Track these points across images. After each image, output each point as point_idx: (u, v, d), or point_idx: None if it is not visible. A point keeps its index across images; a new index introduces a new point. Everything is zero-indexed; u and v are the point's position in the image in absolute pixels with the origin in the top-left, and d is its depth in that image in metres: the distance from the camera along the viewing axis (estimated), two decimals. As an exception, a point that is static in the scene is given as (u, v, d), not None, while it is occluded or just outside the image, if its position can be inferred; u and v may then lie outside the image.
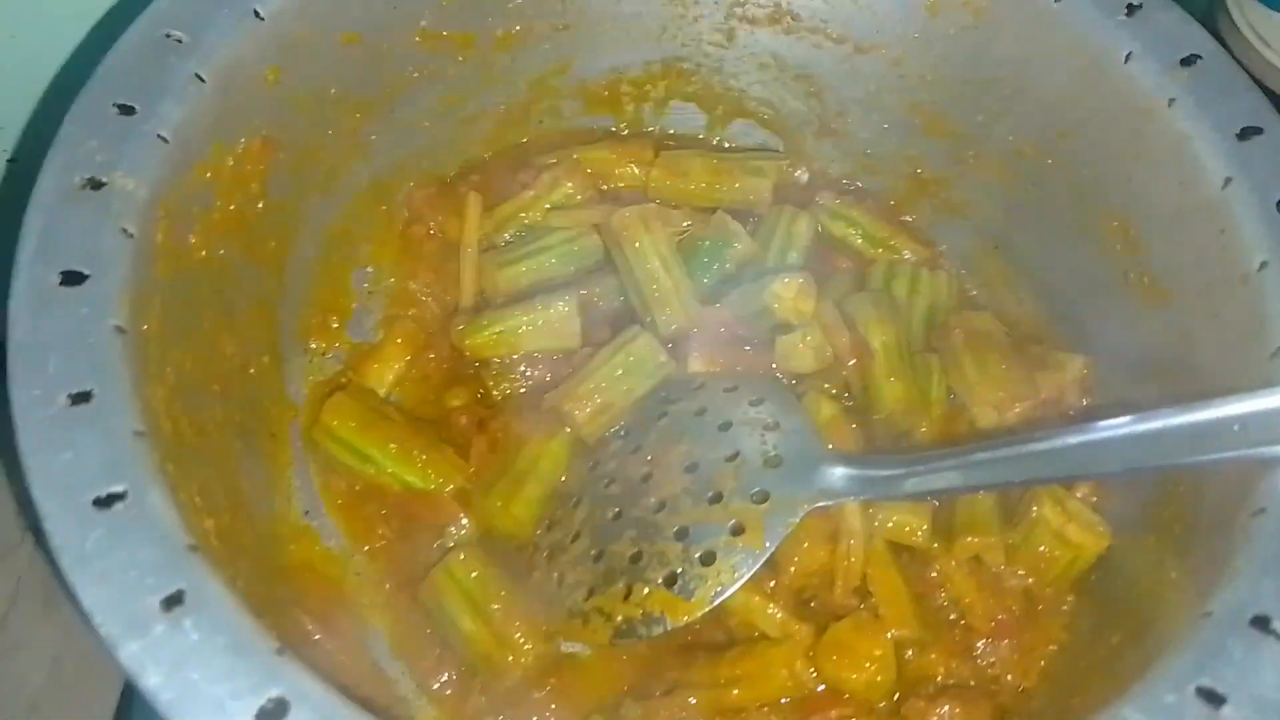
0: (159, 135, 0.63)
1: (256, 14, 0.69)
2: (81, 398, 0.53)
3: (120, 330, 0.57)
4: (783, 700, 0.71)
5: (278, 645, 0.49)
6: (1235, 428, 0.56)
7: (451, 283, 0.88)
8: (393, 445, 0.77)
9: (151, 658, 0.47)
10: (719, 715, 0.71)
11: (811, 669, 0.71)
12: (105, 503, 0.51)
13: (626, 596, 0.71)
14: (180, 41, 0.66)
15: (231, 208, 0.72)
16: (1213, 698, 0.50)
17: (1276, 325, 0.63)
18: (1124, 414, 0.60)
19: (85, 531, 0.50)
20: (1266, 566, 0.54)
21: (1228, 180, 0.68)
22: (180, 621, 0.48)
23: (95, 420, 0.53)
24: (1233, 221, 0.67)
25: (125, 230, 0.59)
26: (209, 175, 0.68)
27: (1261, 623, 0.52)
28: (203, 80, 0.66)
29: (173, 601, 0.49)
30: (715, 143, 0.98)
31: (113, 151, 0.61)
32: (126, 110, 0.63)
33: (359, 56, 0.79)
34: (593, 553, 0.73)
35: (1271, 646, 0.51)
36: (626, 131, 0.97)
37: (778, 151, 0.96)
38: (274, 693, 0.47)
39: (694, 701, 0.71)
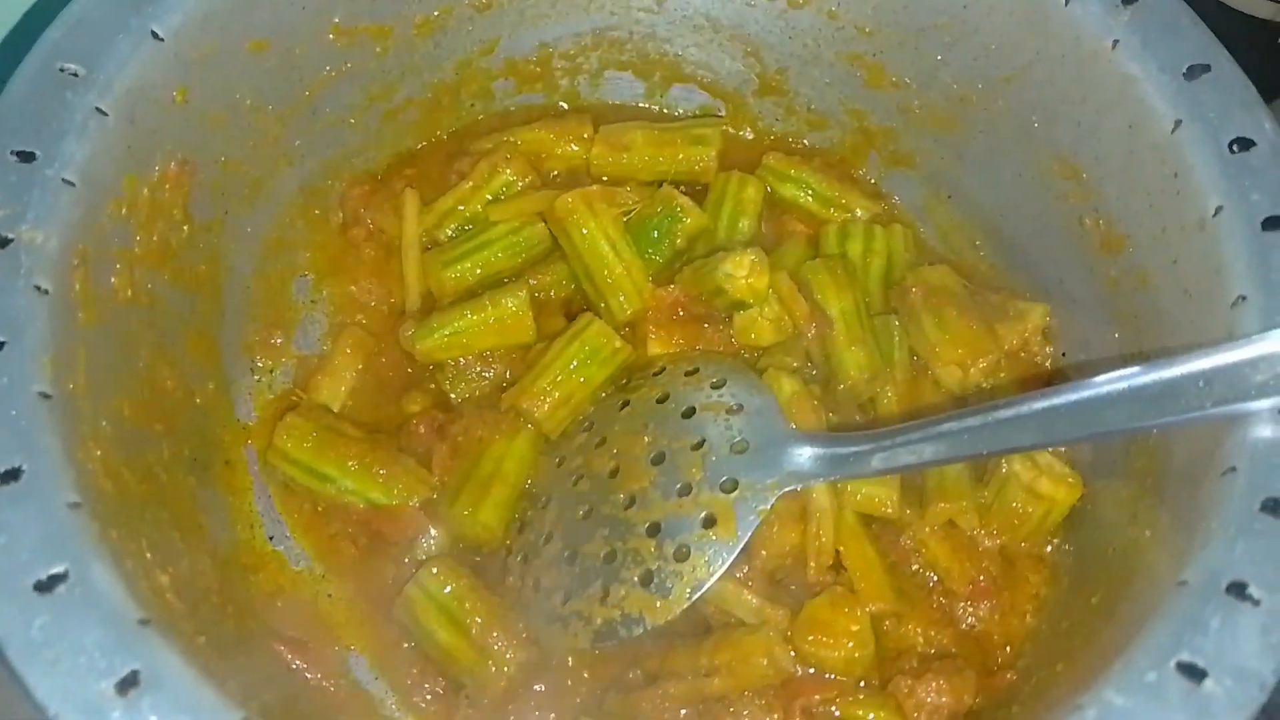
0: (63, 179, 0.60)
1: (155, 35, 0.66)
2: (10, 475, 0.51)
3: (45, 396, 0.54)
4: (764, 685, 0.70)
5: (241, 716, 0.48)
6: (1200, 384, 0.56)
7: (396, 284, 0.86)
8: (351, 463, 0.76)
9: (112, 746, 0.46)
10: (701, 704, 0.71)
11: (791, 650, 0.71)
12: (47, 586, 0.49)
13: (604, 599, 0.70)
14: (76, 75, 0.62)
15: (154, 239, 0.69)
16: (1193, 672, 0.50)
17: (1234, 273, 0.62)
18: (1092, 366, 0.59)
19: (29, 618, 0.48)
20: (1240, 528, 0.53)
21: (1178, 123, 0.66)
22: (138, 704, 0.47)
23: (27, 498, 0.51)
24: (1185, 164, 0.66)
25: (39, 287, 0.57)
26: (124, 211, 0.65)
27: (1237, 589, 0.52)
28: (105, 113, 0.63)
29: (128, 684, 0.47)
30: (656, 111, 0.95)
31: (15, 203, 0.58)
32: (25, 157, 0.60)
33: (271, 63, 0.75)
34: (566, 554, 0.72)
35: (1248, 613, 0.51)
36: (565, 106, 0.94)
37: (719, 116, 0.93)
38: (243, 768, 0.46)
39: (675, 692, 0.71)
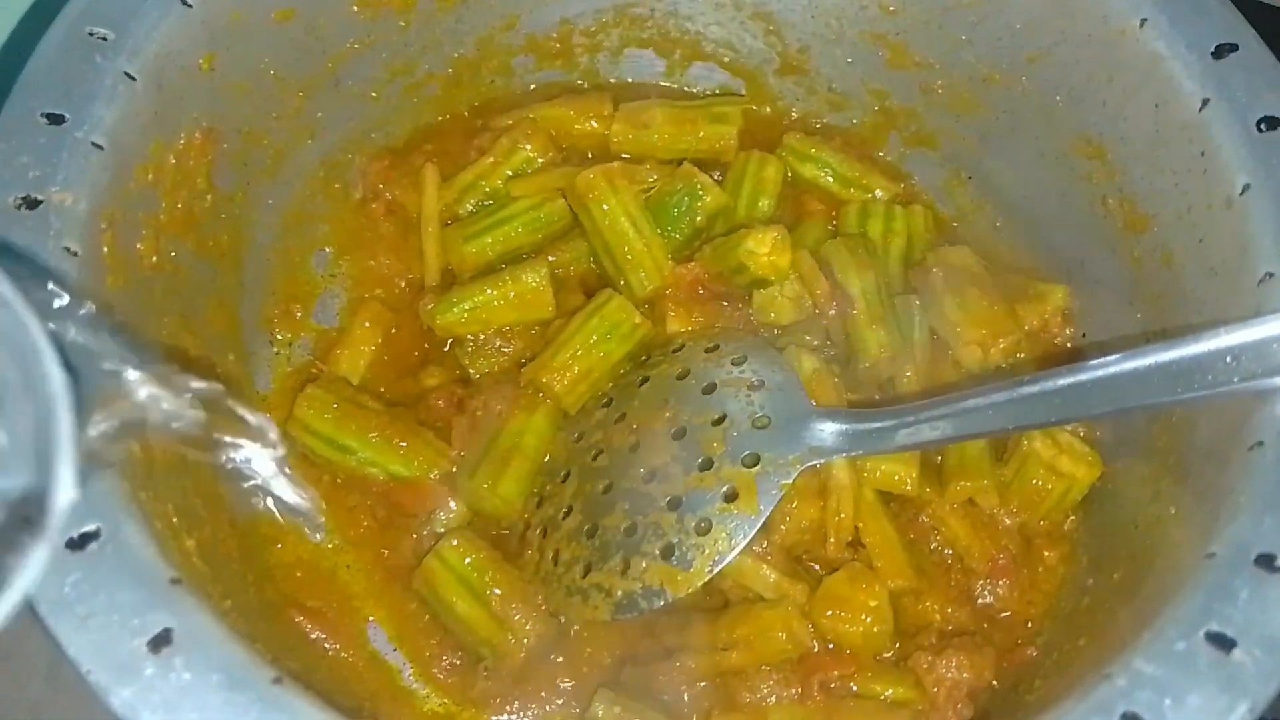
0: (93, 142, 0.60)
1: (183, 1, 0.65)
2: (42, 434, 0.51)
3: (75, 357, 0.54)
4: (782, 660, 0.70)
5: (274, 675, 0.48)
6: (1228, 359, 0.55)
7: (415, 259, 0.86)
8: (373, 435, 0.76)
9: (144, 703, 0.46)
10: (719, 677, 0.71)
11: (809, 625, 0.71)
12: (79, 543, 0.49)
13: (624, 571, 0.70)
14: (105, 39, 0.62)
15: (178, 207, 0.69)
16: (1223, 641, 0.50)
17: (1262, 250, 0.62)
18: (1112, 346, 0.59)
19: (62, 575, 0.48)
20: (1268, 502, 0.54)
21: (1205, 101, 0.66)
22: (170, 661, 0.47)
23: (59, 456, 0.51)
24: (1212, 143, 0.66)
25: (69, 249, 0.57)
26: (151, 177, 0.65)
27: (1266, 561, 0.52)
28: (133, 78, 0.62)
29: (160, 641, 0.47)
30: (676, 88, 0.94)
31: (46, 165, 0.58)
32: (55, 119, 0.59)
33: (296, 33, 0.75)
34: (586, 528, 0.72)
35: (1277, 585, 0.51)
36: (584, 84, 0.94)
37: (740, 94, 0.93)
38: (275, 726, 0.46)
39: (693, 666, 0.71)
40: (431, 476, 0.76)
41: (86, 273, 0.57)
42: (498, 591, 0.72)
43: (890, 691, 0.69)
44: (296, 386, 0.79)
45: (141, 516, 0.51)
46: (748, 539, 0.67)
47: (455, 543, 0.73)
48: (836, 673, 0.70)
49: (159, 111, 0.65)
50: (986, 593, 0.74)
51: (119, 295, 0.60)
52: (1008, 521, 0.75)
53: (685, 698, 0.71)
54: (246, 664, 0.48)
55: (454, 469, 0.76)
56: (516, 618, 0.72)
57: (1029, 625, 0.73)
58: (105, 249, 0.60)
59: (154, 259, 0.66)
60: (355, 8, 0.78)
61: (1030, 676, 0.65)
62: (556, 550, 0.73)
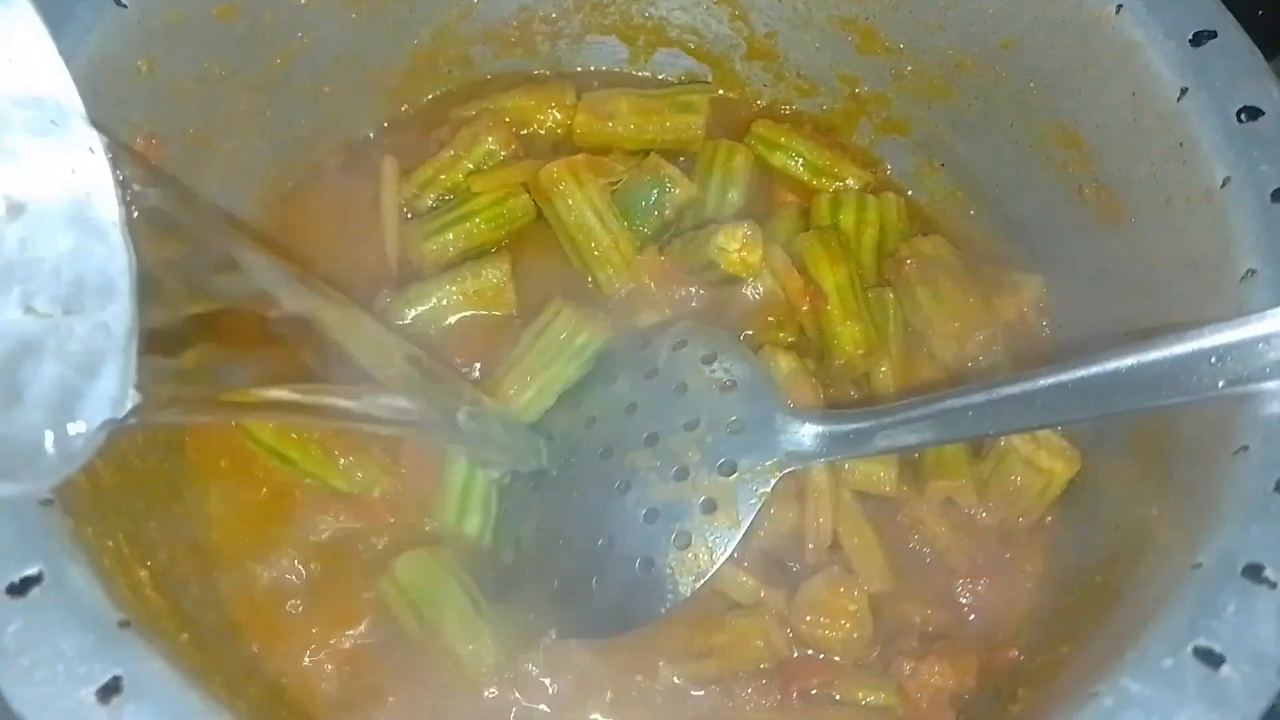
0: (25, 155, 0.56)
1: (118, 2, 0.62)
2: (-24, 474, 0.48)
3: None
4: (761, 666, 0.69)
5: (228, 721, 0.46)
6: (1213, 360, 0.54)
7: (373, 254, 0.83)
8: (314, 448, 0.73)
9: (95, 757, 0.44)
10: (698, 684, 0.70)
11: (788, 632, 0.69)
12: (20, 589, 0.47)
13: (605, 588, 0.68)
14: (34, 43, 0.59)
15: (122, 217, 0.65)
16: (1210, 657, 0.49)
17: (1243, 246, 0.60)
18: (1089, 340, 0.57)
19: (2, 624, 0.46)
20: (1254, 510, 0.52)
21: (1184, 90, 0.64)
22: (120, 711, 0.45)
23: (-4, 496, 0.48)
24: (1191, 134, 0.64)
25: (1, 271, 0.53)
26: (90, 188, 0.61)
27: (1254, 572, 0.51)
28: (67, 85, 0.59)
29: (109, 690, 0.45)
30: (640, 76, 0.92)
31: (-25, 182, 0.54)
32: (-17, 132, 0.56)
33: (239, 30, 0.72)
34: (560, 541, 0.70)
35: (1265, 597, 0.50)
36: (546, 73, 0.91)
37: (707, 82, 0.90)
38: (233, 776, 0.44)
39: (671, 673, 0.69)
40: (374, 494, 0.73)
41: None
42: (454, 613, 0.69)
43: (871, 698, 0.68)
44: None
45: (86, 555, 0.49)
46: (729, 551, 0.65)
47: (408, 563, 0.70)
48: (816, 680, 0.68)
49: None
50: (967, 593, 0.72)
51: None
52: (987, 519, 0.74)
53: (664, 706, 0.69)
54: (200, 711, 0.46)
55: (400, 488, 0.74)
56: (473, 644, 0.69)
57: (1009, 626, 0.71)
58: (42, 268, 0.57)
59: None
60: (302, 1, 0.75)
61: (1013, 684, 0.64)
62: (529, 564, 0.71)
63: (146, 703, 0.45)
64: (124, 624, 0.47)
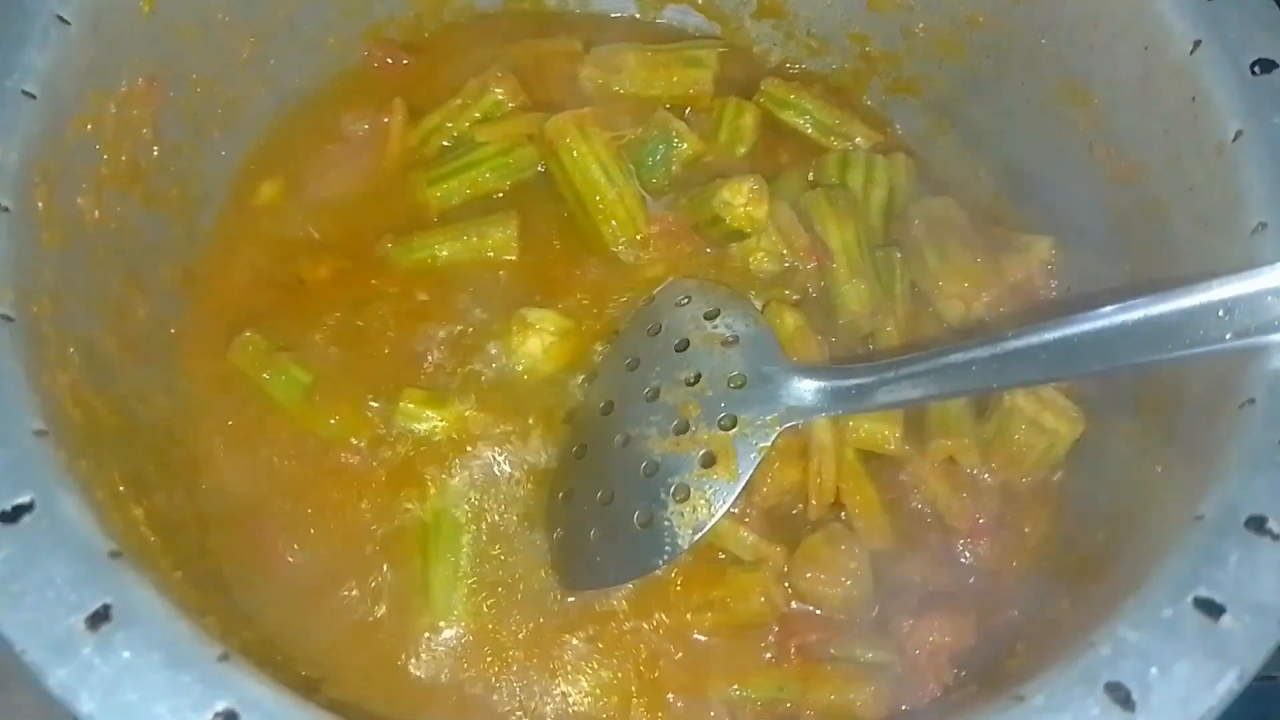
0: (23, 90, 0.56)
1: (119, -62, 0.61)
2: (-30, 401, 0.48)
3: (6, 319, 0.51)
4: (759, 623, 0.69)
5: (220, 651, 0.46)
6: (1220, 313, 0.53)
7: (376, 200, 0.82)
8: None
9: (83, 682, 0.44)
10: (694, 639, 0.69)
11: (787, 587, 0.69)
12: (12, 516, 0.47)
13: (604, 541, 0.67)
14: (35, -21, 0.58)
15: (123, 159, 0.65)
16: (1211, 608, 0.48)
17: (1255, 199, 0.59)
18: (1098, 299, 0.56)
19: (-7, 552, 0.46)
20: (1259, 461, 0.52)
21: (1197, 43, 0.63)
22: (110, 639, 0.45)
23: (-11, 424, 0.48)
24: (1203, 87, 0.63)
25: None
26: (89, 128, 0.62)
27: (1257, 523, 0.50)
28: (67, 22, 0.59)
29: (99, 618, 0.45)
30: (649, 23, 0.91)
31: (-28, 115, 0.54)
32: (-18, 66, 0.56)
33: (245, -27, 0.71)
34: (560, 495, 0.70)
35: (1268, 548, 0.49)
36: (553, 8, 0.90)
37: (716, 38, 0.90)
38: (221, 705, 0.44)
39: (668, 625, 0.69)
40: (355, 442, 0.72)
41: (19, 230, 0.54)
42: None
43: (870, 655, 0.68)
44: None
45: (80, 486, 0.49)
46: (727, 505, 0.65)
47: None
48: (814, 636, 0.68)
49: (96, 58, 0.61)
50: (967, 553, 0.72)
51: (56, 253, 0.57)
52: (989, 479, 0.73)
53: (658, 659, 0.69)
54: (191, 640, 0.46)
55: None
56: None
57: (1010, 586, 0.71)
58: (40, 205, 0.57)
59: (96, 214, 0.63)
60: (307, -53, 0.74)
61: (1011, 640, 0.64)
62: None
63: (136, 631, 0.45)
64: (115, 554, 0.47)
